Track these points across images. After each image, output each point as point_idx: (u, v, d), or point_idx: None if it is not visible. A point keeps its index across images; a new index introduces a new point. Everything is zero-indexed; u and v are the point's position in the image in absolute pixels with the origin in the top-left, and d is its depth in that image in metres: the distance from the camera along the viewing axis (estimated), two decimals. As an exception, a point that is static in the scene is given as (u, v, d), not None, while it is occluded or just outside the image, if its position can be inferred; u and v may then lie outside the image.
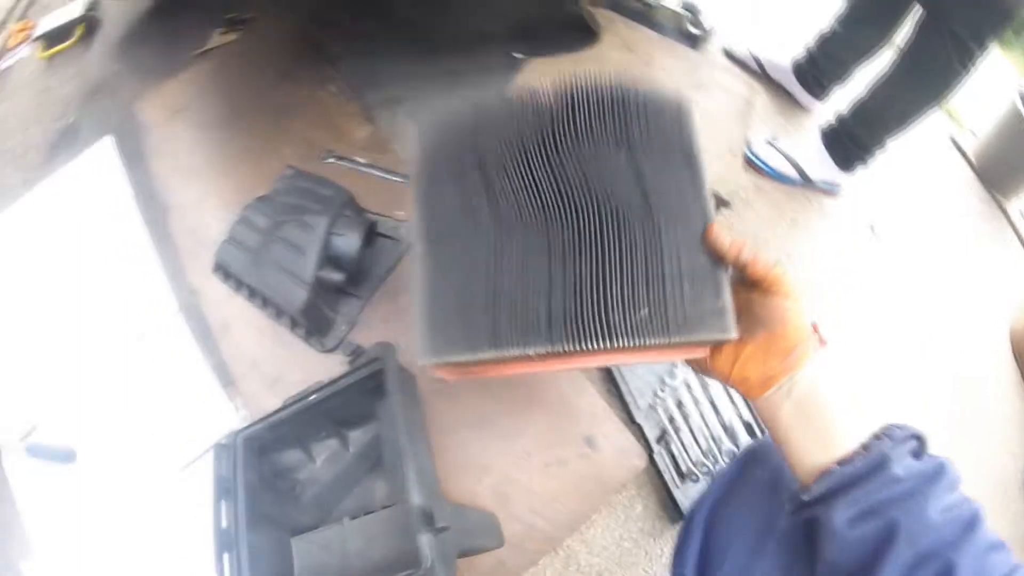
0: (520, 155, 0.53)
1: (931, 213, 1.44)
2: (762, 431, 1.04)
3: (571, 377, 1.00)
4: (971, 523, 0.40)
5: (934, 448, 0.45)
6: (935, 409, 1.21)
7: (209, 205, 1.15)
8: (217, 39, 1.36)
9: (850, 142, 1.26)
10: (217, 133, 1.22)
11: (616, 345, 0.48)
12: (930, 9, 1.05)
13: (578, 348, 0.48)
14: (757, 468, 0.61)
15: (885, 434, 0.45)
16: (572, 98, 0.54)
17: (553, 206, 0.51)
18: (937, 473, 0.42)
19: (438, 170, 0.57)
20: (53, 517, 1.02)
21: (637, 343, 0.48)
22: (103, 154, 1.27)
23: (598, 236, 0.49)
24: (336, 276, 0.92)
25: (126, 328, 1.12)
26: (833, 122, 1.29)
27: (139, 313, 1.12)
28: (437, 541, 0.64)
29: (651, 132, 0.53)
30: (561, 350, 0.48)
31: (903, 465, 0.42)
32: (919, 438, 0.45)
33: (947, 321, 1.31)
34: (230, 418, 1.03)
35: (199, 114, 1.25)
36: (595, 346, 0.48)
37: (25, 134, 1.35)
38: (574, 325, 0.48)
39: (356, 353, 0.81)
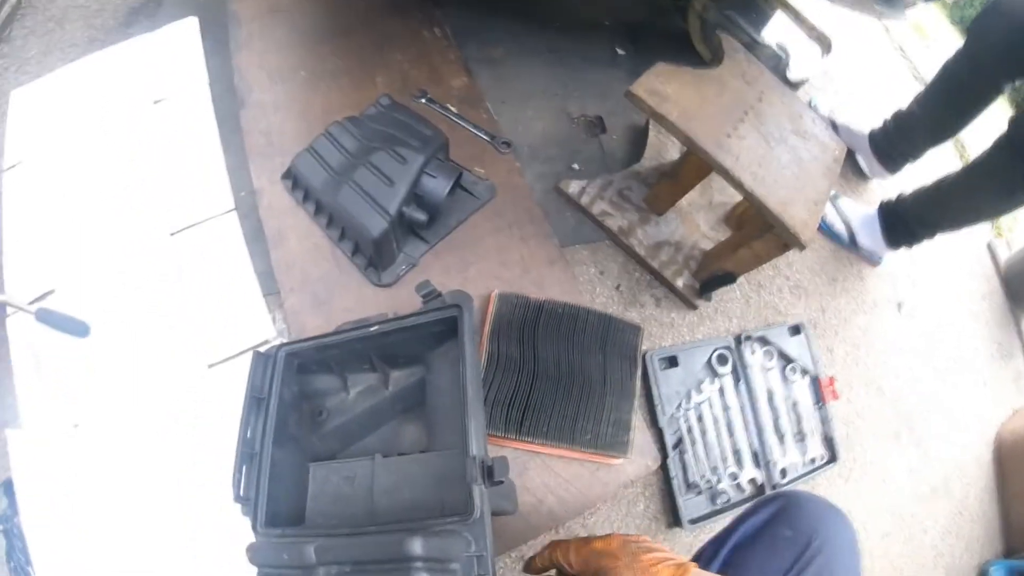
0: (552, 341, 0.99)
1: (954, 309, 1.51)
2: (768, 463, 1.09)
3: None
4: None
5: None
6: (914, 487, 1.27)
7: (290, 113, 1.12)
8: (326, -53, 1.31)
9: (903, 225, 1.32)
10: (313, 43, 1.19)
11: (568, 447, 0.93)
12: (1013, 134, 1.09)
13: (541, 442, 0.93)
14: (786, 527, 0.63)
15: None
16: (586, 320, 1.01)
17: (561, 374, 0.97)
18: None
19: (506, 325, 0.98)
20: (51, 390, 0.96)
21: (578, 447, 0.93)
22: (185, 33, 1.22)
23: (576, 393, 0.96)
24: (420, 215, 0.92)
25: (174, 213, 1.08)
26: (893, 201, 1.34)
27: (190, 201, 1.09)
28: (489, 494, 0.65)
29: (617, 343, 1.02)
30: (529, 440, 0.93)
31: None
32: None
33: (944, 412, 1.38)
34: (266, 329, 1.01)
35: (297, 18, 1.21)
36: (555, 443, 0.93)
37: (105, -9, 1.28)
38: (544, 429, 0.93)
39: (431, 295, 0.80)
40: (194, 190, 1.09)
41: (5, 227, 1.10)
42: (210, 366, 0.99)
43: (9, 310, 1.03)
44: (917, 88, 1.86)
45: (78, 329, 1.01)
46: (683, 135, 0.92)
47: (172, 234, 1.07)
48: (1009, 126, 1.12)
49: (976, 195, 1.19)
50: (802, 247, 0.93)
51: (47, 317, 1.00)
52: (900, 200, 1.33)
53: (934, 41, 2.03)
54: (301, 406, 0.90)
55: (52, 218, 1.10)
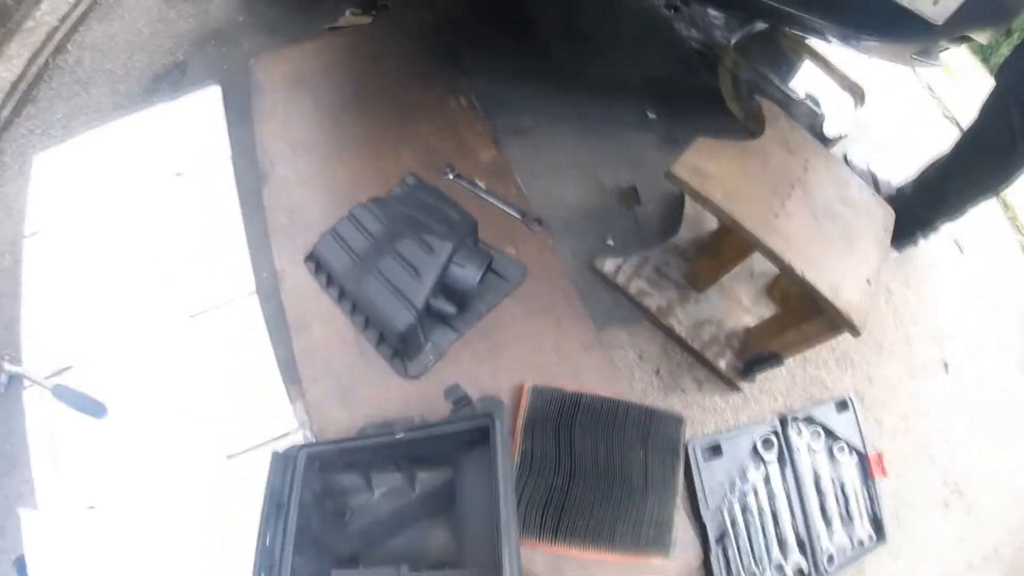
0: (590, 438, 0.95)
1: (1002, 361, 1.42)
2: (815, 550, 1.01)
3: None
4: None
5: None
6: (964, 556, 1.18)
7: (314, 188, 1.10)
8: (349, 19, 1.31)
9: (904, 218, 1.16)
10: (337, 115, 1.17)
11: (607, 550, 0.89)
12: (1002, 86, 1.03)
13: (579, 545, 0.89)
14: None
15: None
16: (627, 415, 0.97)
17: (600, 473, 0.93)
18: None
19: (540, 420, 0.95)
20: (67, 472, 0.94)
21: (618, 550, 0.89)
22: (208, 101, 1.21)
23: (616, 493, 0.92)
24: (448, 308, 0.88)
25: (194, 293, 1.05)
26: (894, 195, 1.28)
27: (211, 281, 1.06)
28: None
29: (659, 436, 0.98)
30: (565, 545, 0.88)
31: None
32: None
33: (994, 473, 1.28)
34: (287, 420, 0.97)
35: (321, 90, 1.20)
36: (593, 546, 0.89)
37: (130, 59, 1.28)
38: (582, 532, 0.89)
39: (461, 402, 0.76)
40: (215, 270, 1.06)
41: (25, 296, 1.09)
42: (229, 457, 0.95)
43: (26, 383, 1.01)
44: (949, 128, 1.81)
45: (95, 409, 0.99)
46: (729, 218, 0.87)
47: (192, 316, 1.04)
48: (997, 74, 1.06)
49: (975, 163, 1.11)
50: (857, 334, 0.87)
51: (64, 394, 0.98)
52: (900, 193, 1.25)
53: (962, 79, 1.97)
54: (324, 504, 0.86)
55: (72, 290, 1.08)
